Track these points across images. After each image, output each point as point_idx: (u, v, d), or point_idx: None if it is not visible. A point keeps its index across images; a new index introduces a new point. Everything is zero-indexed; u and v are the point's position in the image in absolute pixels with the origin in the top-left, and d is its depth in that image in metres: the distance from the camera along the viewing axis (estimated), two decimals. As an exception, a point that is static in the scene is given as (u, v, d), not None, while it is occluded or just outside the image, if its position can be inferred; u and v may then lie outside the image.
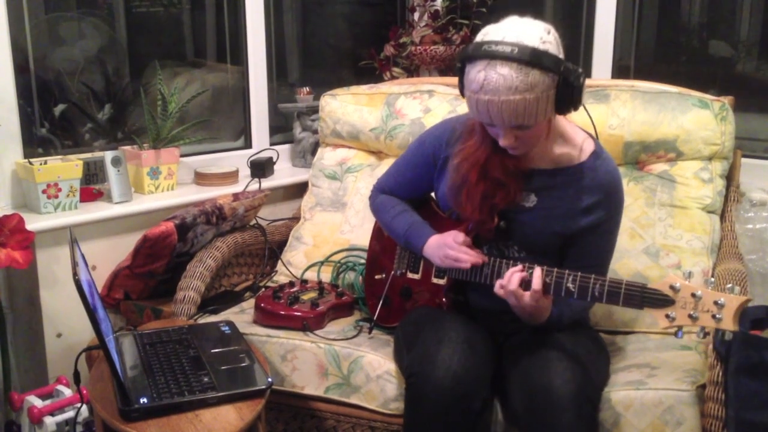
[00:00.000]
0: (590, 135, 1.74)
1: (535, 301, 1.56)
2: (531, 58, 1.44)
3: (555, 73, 1.47)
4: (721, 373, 1.55)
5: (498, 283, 1.60)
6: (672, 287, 1.42)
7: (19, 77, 2.20)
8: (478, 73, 1.47)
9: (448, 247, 1.71)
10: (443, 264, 1.73)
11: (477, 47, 1.49)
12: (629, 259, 2.03)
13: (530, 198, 1.70)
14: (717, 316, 1.37)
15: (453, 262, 1.70)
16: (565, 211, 1.68)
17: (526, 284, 1.56)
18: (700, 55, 2.93)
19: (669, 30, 3.00)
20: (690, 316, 1.40)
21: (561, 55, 1.51)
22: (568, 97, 1.51)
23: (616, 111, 2.18)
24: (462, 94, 1.60)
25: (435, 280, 1.85)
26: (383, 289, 1.96)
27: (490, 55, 1.46)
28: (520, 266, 1.59)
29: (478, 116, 1.54)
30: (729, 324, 1.36)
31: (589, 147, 1.70)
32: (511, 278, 1.57)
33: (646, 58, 3.02)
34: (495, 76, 1.45)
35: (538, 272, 1.55)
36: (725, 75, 2.83)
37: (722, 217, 2.14)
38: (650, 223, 2.08)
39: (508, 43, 1.45)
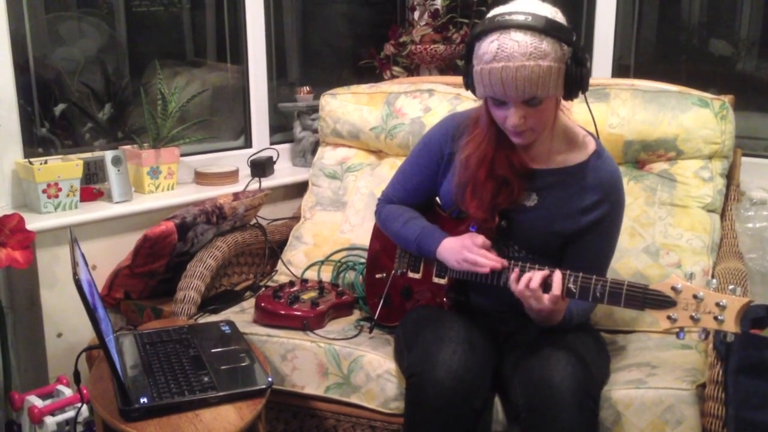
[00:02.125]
0: (592, 135, 1.74)
1: (553, 304, 1.55)
2: (545, 26, 1.45)
3: (567, 43, 1.48)
4: (721, 372, 1.55)
5: (512, 277, 1.58)
6: (674, 288, 1.42)
7: (19, 77, 2.20)
8: (491, 43, 1.47)
9: (467, 250, 1.67)
10: (460, 267, 1.69)
11: (489, 20, 1.50)
12: (629, 258, 2.03)
13: (531, 197, 1.70)
14: (719, 317, 1.37)
15: (471, 266, 1.66)
16: (566, 211, 1.68)
17: (545, 286, 1.56)
18: (700, 53, 2.93)
19: (669, 29, 3.00)
20: (692, 317, 1.40)
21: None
22: (578, 75, 1.51)
23: (616, 110, 2.18)
24: (466, 85, 1.60)
25: (436, 280, 1.85)
26: (384, 289, 1.95)
27: (504, 24, 1.47)
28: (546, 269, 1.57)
29: (491, 89, 1.52)
30: (731, 326, 1.36)
31: (590, 146, 1.70)
32: (531, 279, 1.55)
33: (646, 56, 3.02)
34: (509, 43, 1.45)
35: (558, 276, 1.54)
36: (725, 74, 2.83)
37: (722, 216, 2.14)
38: (650, 222, 2.08)
39: (521, 12, 1.47)
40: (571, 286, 1.54)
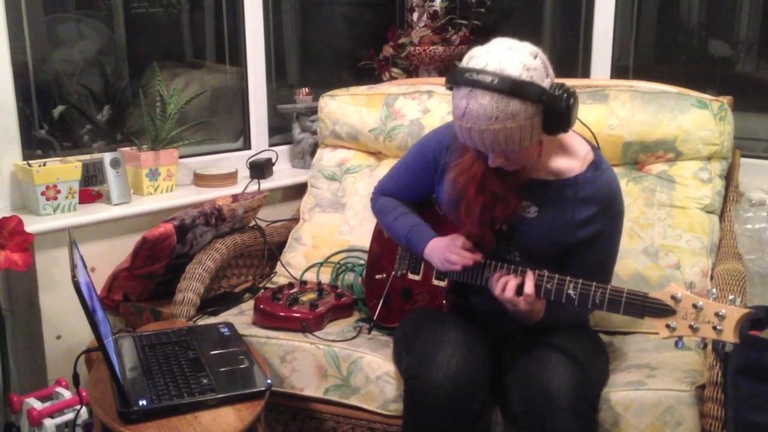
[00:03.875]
0: (591, 145, 1.72)
1: (529, 305, 1.58)
2: (511, 89, 1.43)
3: (537, 101, 1.45)
4: (720, 374, 1.55)
5: (492, 283, 1.62)
6: (673, 297, 1.42)
7: (18, 79, 2.20)
8: (461, 100, 1.48)
9: (447, 250, 1.70)
10: (443, 268, 1.73)
11: (461, 73, 1.48)
12: (628, 259, 2.03)
13: (531, 209, 1.69)
14: (718, 327, 1.37)
15: (450, 265, 1.69)
16: (564, 223, 1.67)
17: (520, 289, 1.58)
18: (699, 55, 2.93)
19: (668, 30, 3.00)
20: (691, 326, 1.40)
21: (548, 80, 1.48)
22: (556, 121, 1.50)
23: (615, 111, 2.18)
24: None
25: (435, 282, 1.85)
26: (384, 289, 1.95)
27: (472, 83, 1.45)
28: (511, 275, 1.61)
29: (464, 141, 1.54)
30: (730, 336, 1.36)
31: (588, 158, 1.68)
32: (507, 286, 1.59)
33: (645, 58, 3.01)
34: (475, 106, 1.45)
35: (529, 276, 1.57)
36: (724, 75, 2.83)
37: (721, 217, 2.14)
38: (649, 223, 2.08)
39: (489, 72, 1.44)
40: (570, 292, 1.55)
